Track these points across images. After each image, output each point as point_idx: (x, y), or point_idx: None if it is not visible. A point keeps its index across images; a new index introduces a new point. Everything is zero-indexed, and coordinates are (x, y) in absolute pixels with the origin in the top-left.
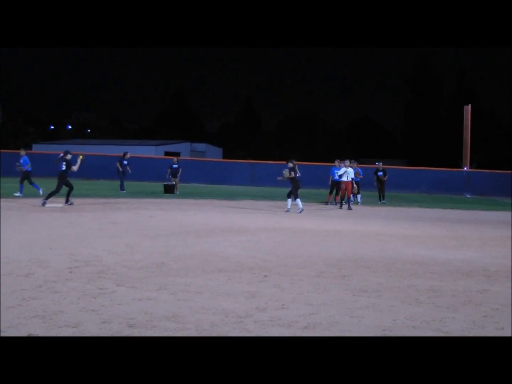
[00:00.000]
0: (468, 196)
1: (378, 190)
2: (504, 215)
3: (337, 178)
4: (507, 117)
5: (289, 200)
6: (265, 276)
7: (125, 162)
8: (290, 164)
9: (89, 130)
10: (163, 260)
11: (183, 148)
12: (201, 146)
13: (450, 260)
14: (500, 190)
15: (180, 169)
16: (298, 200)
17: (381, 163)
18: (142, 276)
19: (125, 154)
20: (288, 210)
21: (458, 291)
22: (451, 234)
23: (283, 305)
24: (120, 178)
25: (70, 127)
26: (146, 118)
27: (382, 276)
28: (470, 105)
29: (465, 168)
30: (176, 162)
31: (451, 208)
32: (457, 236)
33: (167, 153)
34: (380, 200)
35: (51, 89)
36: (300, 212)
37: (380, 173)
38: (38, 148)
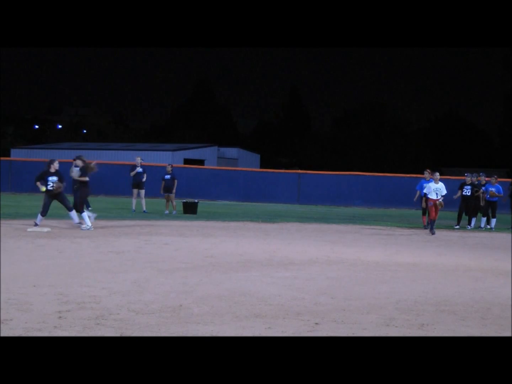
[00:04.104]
0: None
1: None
2: None
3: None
4: None
5: (83, 214)
6: (317, 323)
7: (140, 169)
8: (79, 162)
9: (85, 131)
10: (182, 302)
11: (209, 153)
12: (232, 152)
13: None
14: None
15: (176, 181)
16: (84, 214)
17: (469, 175)
18: (154, 323)
19: (137, 160)
20: (83, 226)
21: None
22: None
23: None
24: (137, 193)
25: (60, 126)
26: (159, 114)
27: (473, 325)
28: None
29: None
30: (170, 172)
31: None
32: None
33: (187, 161)
34: (470, 224)
35: (36, 78)
36: (87, 229)
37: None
38: (19, 154)
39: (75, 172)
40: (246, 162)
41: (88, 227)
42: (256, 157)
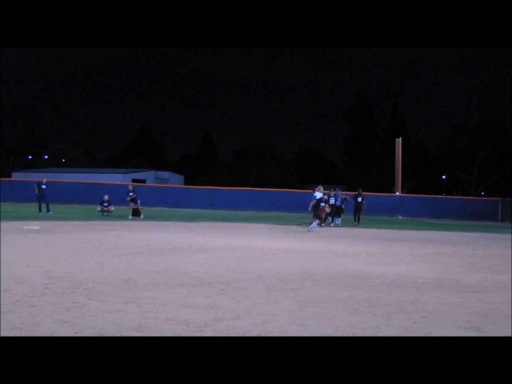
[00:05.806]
0: (400, 217)
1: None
2: (430, 234)
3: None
4: (432, 149)
5: None
6: (222, 289)
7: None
8: None
9: (63, 160)
10: (130, 276)
11: (149, 175)
12: (164, 174)
13: (384, 274)
14: (427, 212)
15: (135, 195)
16: None
17: (337, 190)
18: (111, 291)
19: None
20: None
21: (391, 301)
22: (386, 251)
23: (238, 315)
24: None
25: (46, 157)
26: (115, 148)
27: (325, 288)
28: (400, 138)
29: (397, 193)
30: (131, 190)
31: (386, 228)
32: (390, 252)
33: (134, 180)
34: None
35: (29, 121)
36: None
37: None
38: (17, 176)
39: None
40: (174, 181)
41: None
42: (181, 178)
